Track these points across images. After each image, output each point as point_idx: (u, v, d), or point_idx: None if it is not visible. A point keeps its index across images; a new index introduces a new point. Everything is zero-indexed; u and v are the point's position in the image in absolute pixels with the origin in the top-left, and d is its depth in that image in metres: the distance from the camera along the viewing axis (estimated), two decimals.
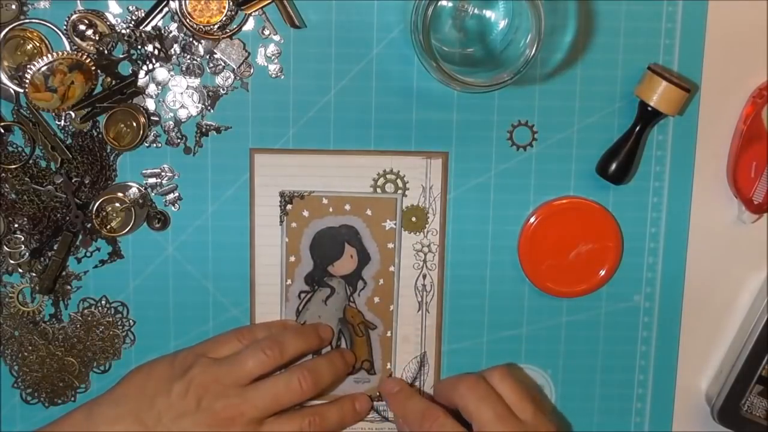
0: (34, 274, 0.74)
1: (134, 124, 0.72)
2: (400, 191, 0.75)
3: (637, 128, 0.73)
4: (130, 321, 0.76)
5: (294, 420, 0.72)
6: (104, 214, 0.73)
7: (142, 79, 0.72)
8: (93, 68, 0.70)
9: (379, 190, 0.75)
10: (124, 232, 0.73)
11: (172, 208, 0.74)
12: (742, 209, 0.76)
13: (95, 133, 0.72)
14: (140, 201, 0.73)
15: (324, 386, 0.73)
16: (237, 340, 0.73)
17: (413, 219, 0.75)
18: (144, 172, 0.73)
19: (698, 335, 0.79)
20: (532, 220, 0.75)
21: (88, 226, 0.73)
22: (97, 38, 0.70)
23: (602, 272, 0.77)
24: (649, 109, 0.72)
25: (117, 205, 0.73)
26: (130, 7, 0.71)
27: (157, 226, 0.74)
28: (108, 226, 0.73)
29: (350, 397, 0.77)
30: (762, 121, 0.75)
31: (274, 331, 0.75)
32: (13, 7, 0.70)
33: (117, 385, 0.72)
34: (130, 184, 0.73)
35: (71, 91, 0.70)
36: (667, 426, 0.80)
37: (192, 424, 0.69)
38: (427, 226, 0.76)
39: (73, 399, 0.77)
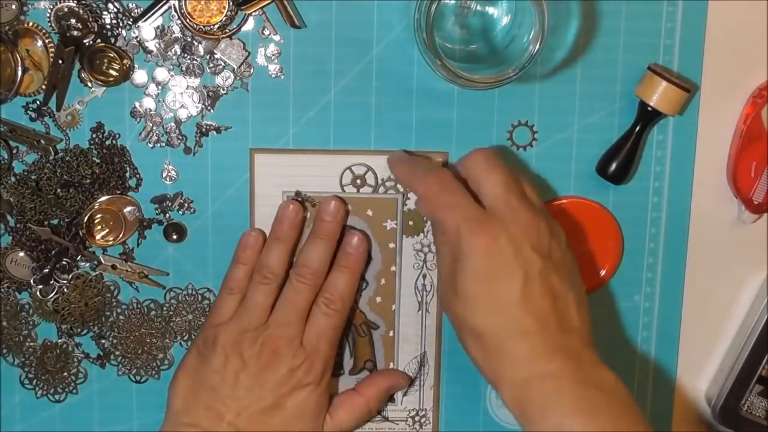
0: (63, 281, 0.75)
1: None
2: (401, 192, 0.75)
3: (637, 128, 0.74)
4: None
5: (315, 314, 0.71)
6: (94, 223, 0.73)
7: (141, 78, 0.72)
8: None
9: (381, 189, 0.75)
10: (114, 241, 0.74)
11: (180, 212, 0.74)
12: (742, 209, 0.76)
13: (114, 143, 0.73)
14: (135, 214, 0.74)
15: (322, 268, 0.72)
16: (228, 293, 0.72)
17: (410, 223, 0.75)
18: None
19: (698, 335, 0.79)
20: None
21: (81, 244, 0.74)
22: (80, 26, 0.70)
23: (603, 272, 0.77)
24: (649, 109, 0.72)
25: (107, 216, 0.73)
26: None
27: (174, 238, 0.74)
28: (99, 236, 0.74)
29: (342, 252, 0.73)
30: (762, 121, 0.75)
31: (252, 248, 0.73)
32: (13, 7, 0.70)
33: (168, 406, 0.71)
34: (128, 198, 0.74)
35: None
36: (667, 426, 0.80)
37: (249, 379, 0.69)
38: (425, 227, 0.76)
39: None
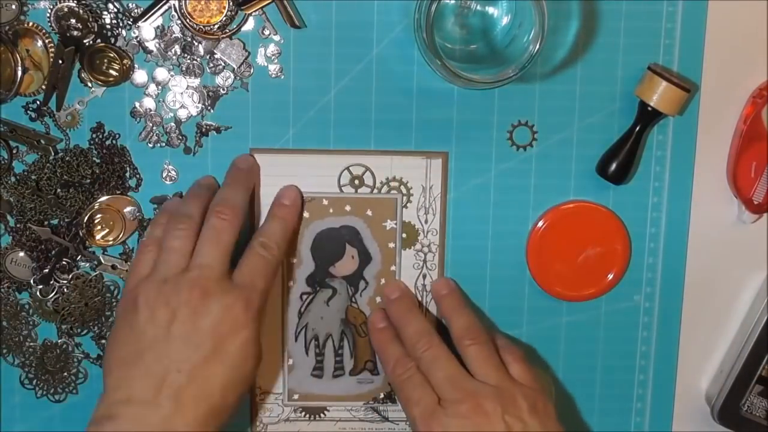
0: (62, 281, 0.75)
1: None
2: (402, 192, 0.75)
3: (637, 128, 0.74)
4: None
5: (247, 256, 0.68)
6: (94, 223, 0.74)
7: (141, 78, 0.72)
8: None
9: (385, 189, 0.75)
10: (114, 241, 0.74)
11: None
12: (742, 209, 0.76)
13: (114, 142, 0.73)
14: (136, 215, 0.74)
15: (240, 208, 0.69)
16: (145, 251, 0.69)
17: (404, 235, 0.75)
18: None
19: (698, 335, 0.79)
20: (540, 224, 0.75)
21: (81, 244, 0.74)
22: (80, 26, 0.70)
23: (610, 276, 0.76)
24: (649, 109, 0.72)
25: (107, 216, 0.73)
26: None
27: None
28: (99, 236, 0.74)
29: (276, 203, 0.72)
30: (762, 121, 0.75)
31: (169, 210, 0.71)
32: (13, 7, 0.70)
33: (103, 387, 0.66)
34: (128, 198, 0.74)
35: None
36: (667, 426, 0.80)
37: (182, 327, 0.64)
38: (419, 237, 0.76)
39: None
